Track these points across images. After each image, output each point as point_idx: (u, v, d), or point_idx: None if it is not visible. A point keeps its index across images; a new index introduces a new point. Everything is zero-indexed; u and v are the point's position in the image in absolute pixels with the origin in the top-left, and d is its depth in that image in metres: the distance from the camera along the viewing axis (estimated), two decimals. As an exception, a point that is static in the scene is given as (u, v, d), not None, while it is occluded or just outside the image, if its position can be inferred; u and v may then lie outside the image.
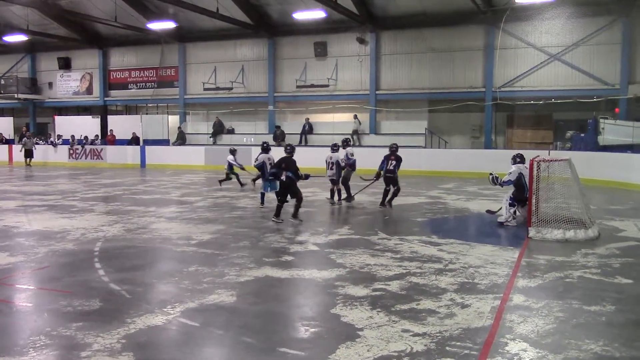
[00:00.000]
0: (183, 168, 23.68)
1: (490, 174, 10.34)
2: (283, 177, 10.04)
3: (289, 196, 10.24)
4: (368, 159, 20.29)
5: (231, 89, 26.51)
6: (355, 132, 23.51)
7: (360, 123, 23.94)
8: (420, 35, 23.23)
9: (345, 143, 13.25)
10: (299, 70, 25.14)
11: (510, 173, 9.84)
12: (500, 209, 10.24)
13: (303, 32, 24.75)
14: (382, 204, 12.00)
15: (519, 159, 10.00)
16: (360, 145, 23.02)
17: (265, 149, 12.16)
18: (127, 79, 29.65)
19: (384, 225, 10.31)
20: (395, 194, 12.00)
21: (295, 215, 10.10)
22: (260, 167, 11.88)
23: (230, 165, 15.98)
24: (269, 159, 11.82)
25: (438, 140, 23.43)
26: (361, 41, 23.97)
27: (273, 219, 10.16)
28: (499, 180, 10.10)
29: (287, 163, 10.15)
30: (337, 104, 24.83)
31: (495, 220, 10.16)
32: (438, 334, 4.61)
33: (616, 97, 20.38)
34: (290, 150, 10.52)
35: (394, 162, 11.87)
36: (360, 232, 9.20)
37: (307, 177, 10.56)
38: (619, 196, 14.47)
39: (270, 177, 10.63)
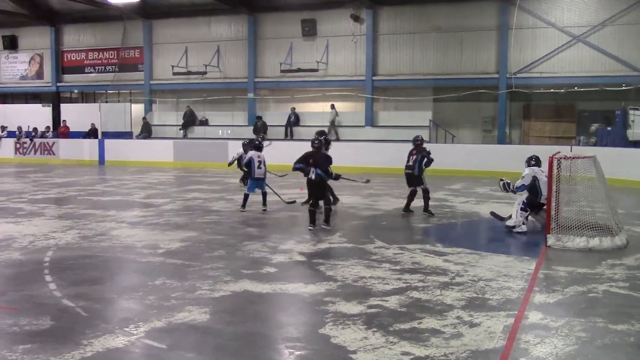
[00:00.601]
0: (148, 165, 23.57)
1: (501, 179, 10.41)
2: (312, 176, 9.98)
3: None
4: (364, 155, 20.42)
5: (205, 73, 26.44)
6: (332, 123, 23.58)
7: (337, 114, 24.02)
8: (425, 13, 23.30)
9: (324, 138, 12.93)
10: (283, 52, 25.13)
11: (524, 177, 9.91)
12: (511, 215, 10.29)
13: (289, 7, 24.74)
14: (406, 209, 11.75)
15: (533, 162, 10.09)
16: (357, 140, 23.09)
17: (257, 146, 12.26)
18: (83, 61, 29.46)
19: (381, 232, 10.32)
20: (426, 198, 11.67)
21: (327, 220, 10.04)
22: (248, 164, 11.96)
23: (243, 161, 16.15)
24: (258, 157, 11.91)
25: (444, 134, 23.53)
26: (356, 18, 24.00)
27: (310, 227, 9.92)
28: (510, 187, 10.16)
29: (316, 159, 10.04)
30: (327, 91, 24.83)
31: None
32: (443, 357, 4.64)
33: (648, 86, 20.62)
34: (319, 144, 10.27)
35: (414, 157, 11.59)
36: (354, 240, 9.21)
37: (337, 177, 10.47)
38: (651, 199, 14.61)
39: (297, 168, 10.30)
